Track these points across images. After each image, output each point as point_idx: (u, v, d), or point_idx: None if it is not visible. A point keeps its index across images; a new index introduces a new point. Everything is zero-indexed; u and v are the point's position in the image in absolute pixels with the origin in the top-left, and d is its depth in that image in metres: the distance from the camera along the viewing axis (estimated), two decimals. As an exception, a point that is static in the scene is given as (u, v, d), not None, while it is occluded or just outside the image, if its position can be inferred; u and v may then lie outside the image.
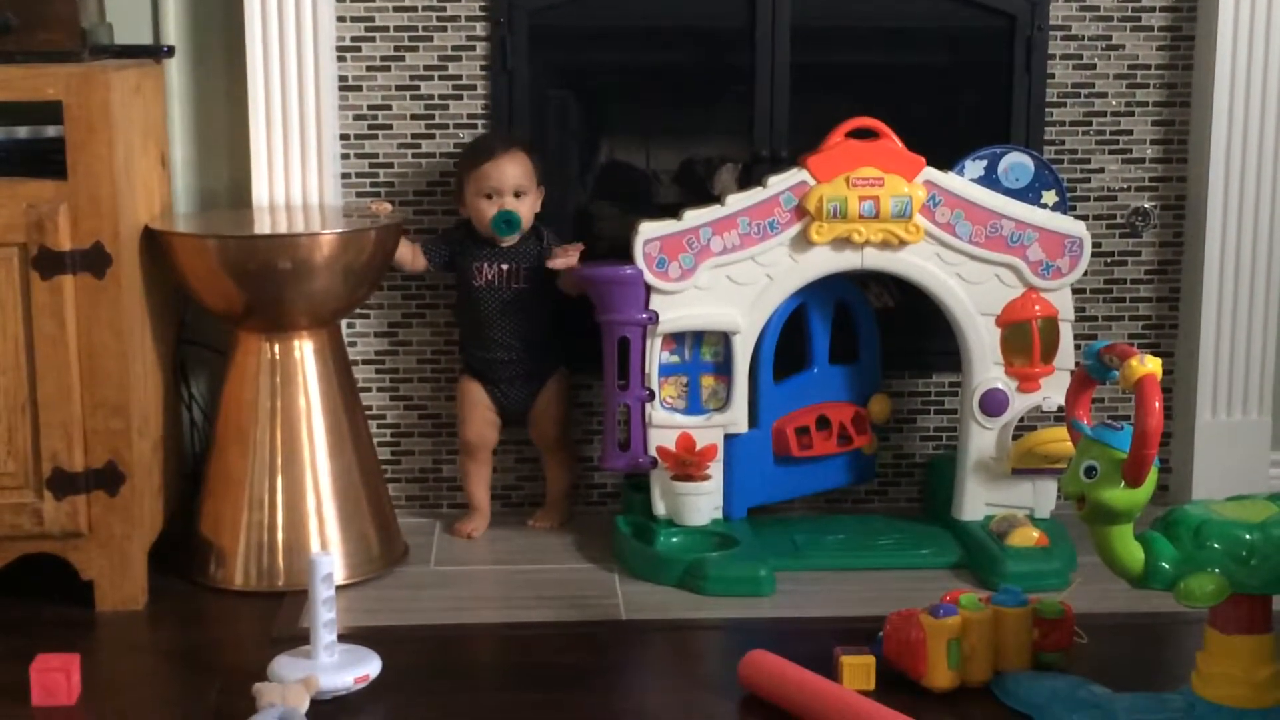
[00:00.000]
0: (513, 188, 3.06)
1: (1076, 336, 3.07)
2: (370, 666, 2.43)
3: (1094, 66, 3.27)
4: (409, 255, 3.09)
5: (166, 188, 3.11)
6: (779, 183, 2.96)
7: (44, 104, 2.65)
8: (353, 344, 3.19)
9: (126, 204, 2.72)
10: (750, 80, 3.19)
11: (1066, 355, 3.03)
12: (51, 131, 2.82)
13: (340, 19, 3.15)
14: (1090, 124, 3.29)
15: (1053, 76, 3.26)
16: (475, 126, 3.19)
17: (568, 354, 3.22)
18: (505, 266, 3.12)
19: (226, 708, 2.38)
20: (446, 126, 3.20)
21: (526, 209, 3.09)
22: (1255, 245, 3.27)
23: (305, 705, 2.31)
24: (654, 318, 2.97)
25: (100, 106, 2.63)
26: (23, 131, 2.94)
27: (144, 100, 2.91)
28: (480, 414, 3.18)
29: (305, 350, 2.93)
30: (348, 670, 2.41)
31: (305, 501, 2.91)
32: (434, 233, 3.21)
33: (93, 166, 2.65)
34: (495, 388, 3.17)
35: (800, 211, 2.96)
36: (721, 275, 2.98)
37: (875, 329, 3.20)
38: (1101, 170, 3.31)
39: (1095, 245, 3.16)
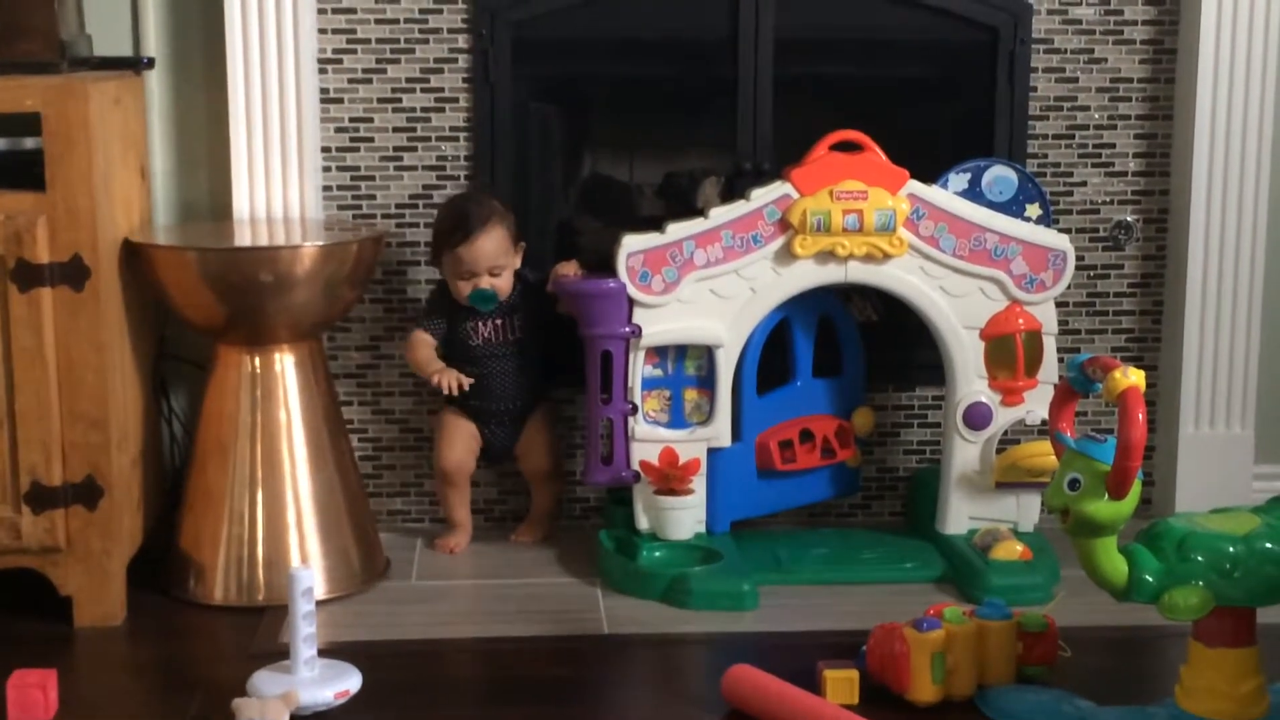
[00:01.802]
0: (488, 269, 3.04)
1: (1060, 350, 3.07)
2: (350, 682, 2.42)
3: (1076, 80, 3.27)
4: (427, 355, 3.09)
5: (146, 200, 3.09)
6: (762, 196, 2.95)
7: (22, 115, 2.63)
8: (334, 357, 3.18)
9: (105, 216, 2.71)
10: (733, 93, 3.19)
11: (1050, 368, 3.03)
12: (30, 143, 2.80)
13: (322, 31, 3.14)
14: (1073, 137, 3.29)
15: (1035, 90, 3.26)
16: (457, 139, 3.18)
17: (552, 384, 3.21)
18: (499, 321, 3.11)
19: (205, 724, 2.37)
20: (429, 139, 3.19)
21: (504, 282, 3.07)
22: (1238, 258, 3.27)
23: (284, 721, 2.30)
24: (637, 331, 2.96)
25: (79, 118, 2.62)
26: (1, 143, 2.92)
27: (123, 112, 2.90)
28: (464, 443, 3.15)
29: (286, 364, 2.91)
30: (328, 685, 2.39)
31: (285, 516, 2.89)
32: (416, 245, 3.20)
33: (71, 179, 2.63)
34: (484, 427, 3.16)
35: (784, 225, 2.95)
36: (705, 289, 2.97)
37: (859, 342, 3.19)
38: (1084, 183, 3.31)
39: (1078, 258, 3.15)
